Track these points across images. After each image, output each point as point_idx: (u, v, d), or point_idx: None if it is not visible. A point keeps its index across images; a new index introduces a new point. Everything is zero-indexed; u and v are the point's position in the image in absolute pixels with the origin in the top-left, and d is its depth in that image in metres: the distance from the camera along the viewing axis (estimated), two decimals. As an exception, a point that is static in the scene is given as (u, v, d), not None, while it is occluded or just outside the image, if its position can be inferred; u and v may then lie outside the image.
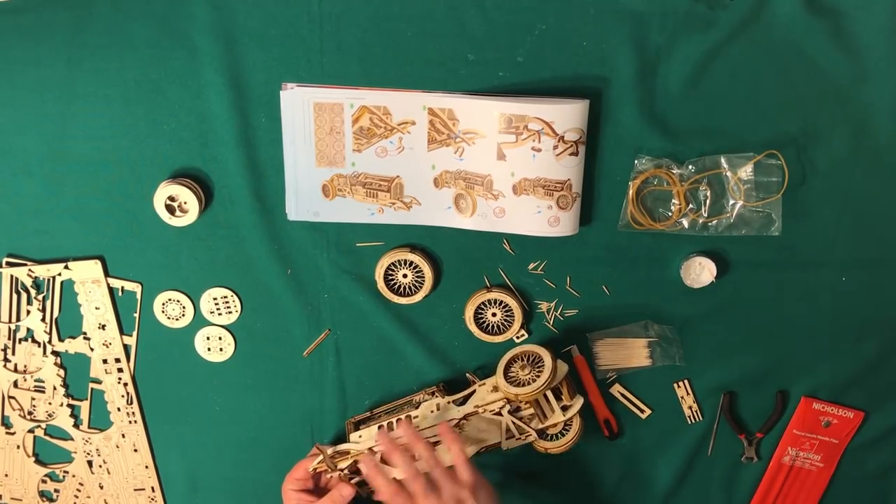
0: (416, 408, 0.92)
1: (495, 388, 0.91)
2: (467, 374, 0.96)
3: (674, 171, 0.88)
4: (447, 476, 0.83)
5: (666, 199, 0.90)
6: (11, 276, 0.96)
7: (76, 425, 1.03)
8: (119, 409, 1.02)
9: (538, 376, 0.88)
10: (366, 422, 0.97)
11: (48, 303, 0.97)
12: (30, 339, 0.99)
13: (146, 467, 1.05)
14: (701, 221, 0.90)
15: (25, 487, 1.06)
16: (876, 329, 0.96)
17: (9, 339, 0.99)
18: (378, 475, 0.84)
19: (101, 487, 1.07)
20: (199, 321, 0.98)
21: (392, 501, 0.83)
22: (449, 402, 0.91)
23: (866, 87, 0.86)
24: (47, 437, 1.04)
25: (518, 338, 0.96)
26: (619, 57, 0.85)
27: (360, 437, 0.93)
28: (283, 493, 0.93)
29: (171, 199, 0.90)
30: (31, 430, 1.03)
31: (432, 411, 0.91)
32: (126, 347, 0.99)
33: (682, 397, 0.99)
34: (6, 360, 1.00)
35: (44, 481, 1.06)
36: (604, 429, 1.00)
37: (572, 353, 0.97)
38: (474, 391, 0.92)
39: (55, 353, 0.99)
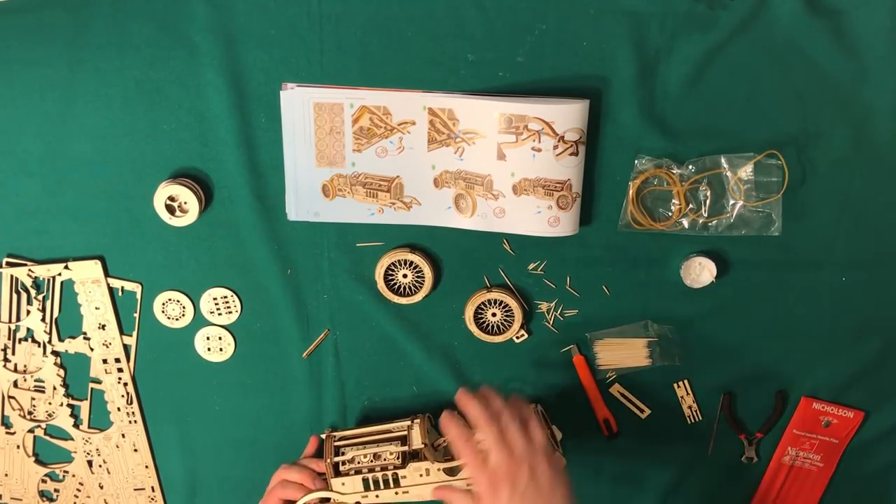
0: (402, 444, 0.89)
1: None
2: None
3: (674, 171, 0.88)
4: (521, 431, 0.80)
5: (666, 199, 0.90)
6: (11, 276, 0.96)
7: (76, 425, 1.03)
8: (119, 409, 1.02)
9: None
10: (346, 439, 0.92)
11: (48, 303, 0.97)
12: (30, 339, 0.99)
13: (146, 467, 1.05)
14: (701, 221, 0.90)
15: (25, 487, 1.06)
16: (876, 329, 0.96)
17: (9, 339, 0.99)
18: (451, 423, 0.82)
19: (101, 487, 1.07)
20: (199, 321, 0.98)
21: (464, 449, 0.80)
22: (439, 470, 0.86)
23: (866, 87, 0.86)
24: (47, 437, 1.04)
25: (518, 338, 0.96)
26: (619, 57, 0.85)
27: (342, 484, 0.89)
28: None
29: (171, 199, 0.90)
30: (31, 430, 1.03)
31: (420, 475, 0.87)
32: (126, 347, 0.99)
33: (682, 397, 0.99)
34: (6, 360, 1.00)
35: (44, 481, 1.06)
36: (603, 429, 1.00)
37: (572, 353, 0.97)
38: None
39: (55, 353, 0.99)
